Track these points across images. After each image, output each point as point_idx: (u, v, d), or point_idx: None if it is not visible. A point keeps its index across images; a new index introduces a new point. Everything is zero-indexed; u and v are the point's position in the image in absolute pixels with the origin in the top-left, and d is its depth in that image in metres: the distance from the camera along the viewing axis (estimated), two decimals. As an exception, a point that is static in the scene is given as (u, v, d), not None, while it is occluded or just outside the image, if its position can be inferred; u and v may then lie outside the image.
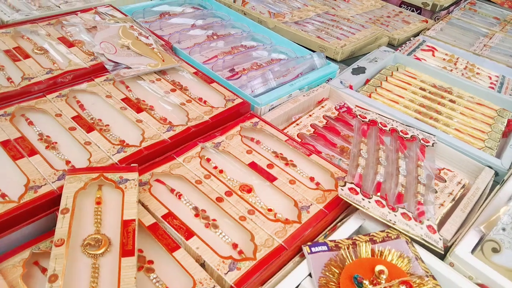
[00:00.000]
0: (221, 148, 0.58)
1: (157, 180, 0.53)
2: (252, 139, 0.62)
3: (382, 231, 0.49)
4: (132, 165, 0.50)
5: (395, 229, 0.49)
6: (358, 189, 0.52)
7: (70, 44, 0.75)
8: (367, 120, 0.67)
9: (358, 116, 0.68)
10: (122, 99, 0.64)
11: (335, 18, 1.11)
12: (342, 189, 0.52)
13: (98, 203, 0.47)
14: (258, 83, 0.74)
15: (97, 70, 0.70)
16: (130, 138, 0.57)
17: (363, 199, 0.51)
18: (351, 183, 0.53)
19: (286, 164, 0.58)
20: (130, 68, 0.70)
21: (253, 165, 0.56)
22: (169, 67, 0.72)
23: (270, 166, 0.56)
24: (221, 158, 0.58)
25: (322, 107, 0.75)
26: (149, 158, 0.55)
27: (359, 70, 0.87)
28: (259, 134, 0.63)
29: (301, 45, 0.91)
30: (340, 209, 0.53)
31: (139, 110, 0.62)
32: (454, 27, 1.22)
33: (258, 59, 0.86)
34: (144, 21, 0.92)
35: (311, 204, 0.52)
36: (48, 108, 0.60)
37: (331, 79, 0.82)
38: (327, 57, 0.88)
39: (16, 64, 0.68)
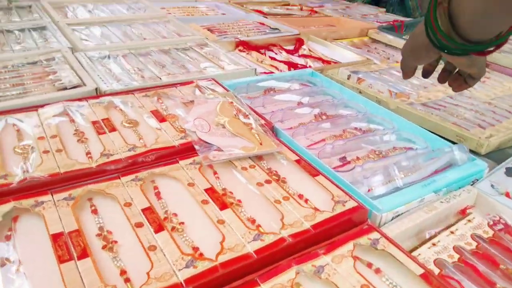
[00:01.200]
0: (324, 276, 0.41)
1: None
2: (369, 265, 0.44)
3: None
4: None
5: None
6: None
7: (162, 119, 0.67)
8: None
9: (530, 245, 0.47)
10: (206, 189, 0.51)
11: (471, 101, 0.91)
12: None
13: None
14: (379, 180, 0.57)
15: (186, 151, 0.59)
16: (206, 244, 0.44)
17: None
18: None
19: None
20: (222, 150, 0.58)
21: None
22: (267, 152, 0.59)
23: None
24: (323, 292, 0.41)
25: (469, 221, 0.54)
26: (224, 280, 0.40)
27: (516, 171, 0.65)
28: (381, 257, 0.45)
29: (431, 132, 0.72)
30: None
31: (223, 206, 0.49)
32: None
33: (377, 145, 0.70)
34: (247, 97, 0.83)
35: None
36: (119, 194, 0.50)
37: (477, 180, 0.62)
38: (466, 150, 0.67)
39: (100, 137, 0.60)
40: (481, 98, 0.93)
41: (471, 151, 0.72)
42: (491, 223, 0.54)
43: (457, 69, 0.58)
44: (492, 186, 0.60)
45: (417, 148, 0.68)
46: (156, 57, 0.94)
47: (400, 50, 0.57)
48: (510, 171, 0.65)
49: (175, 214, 0.48)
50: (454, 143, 0.73)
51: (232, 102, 0.70)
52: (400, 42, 1.29)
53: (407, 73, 0.58)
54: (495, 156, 0.74)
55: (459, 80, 0.58)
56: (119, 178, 0.52)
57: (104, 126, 0.63)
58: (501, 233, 0.53)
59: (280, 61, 1.07)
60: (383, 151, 0.68)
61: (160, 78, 0.82)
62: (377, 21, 1.61)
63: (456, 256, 0.48)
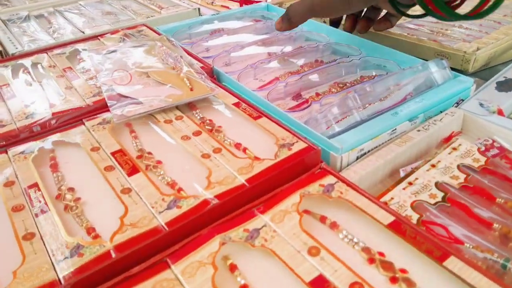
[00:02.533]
0: (259, 243, 0.31)
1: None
2: (322, 219, 0.33)
3: None
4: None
5: None
6: None
7: (75, 76, 0.55)
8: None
9: (533, 167, 0.36)
10: (113, 152, 0.40)
11: (455, 16, 0.78)
12: None
13: None
14: (337, 114, 0.45)
15: (99, 109, 0.48)
16: (103, 225, 0.33)
17: None
18: None
19: (394, 279, 0.28)
20: (141, 103, 0.46)
21: (318, 285, 0.27)
22: (198, 99, 0.47)
23: None
24: (258, 266, 0.30)
25: (454, 149, 0.43)
26: (123, 266, 0.29)
27: (509, 84, 0.53)
28: (337, 207, 0.34)
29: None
30: None
31: (133, 170, 0.38)
32: None
33: (341, 77, 0.58)
34: (189, 42, 0.70)
35: None
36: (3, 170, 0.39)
37: (462, 100, 0.50)
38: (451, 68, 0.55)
39: (-5, 106, 0.49)
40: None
41: (457, 70, 0.60)
42: (483, 148, 0.43)
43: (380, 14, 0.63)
44: (481, 104, 0.49)
45: (388, 73, 0.56)
46: (84, 11, 0.81)
47: None
48: (502, 85, 0.53)
49: (71, 189, 0.37)
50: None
51: (162, 46, 0.58)
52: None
53: (298, 21, 0.59)
54: (484, 75, 0.63)
55: (383, 21, 0.63)
56: (6, 153, 0.41)
57: (2, 94, 0.51)
58: (496, 159, 0.42)
59: (234, 0, 0.93)
60: (348, 83, 0.56)
61: (83, 32, 0.69)
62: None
63: (440, 194, 0.37)
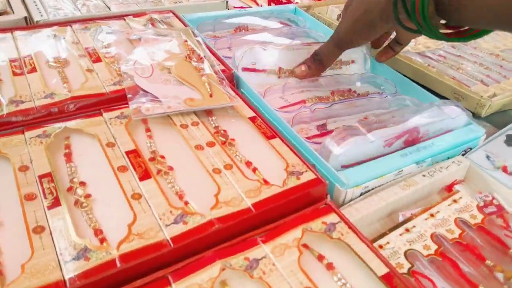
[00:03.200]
0: (257, 274, 0.32)
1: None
2: (320, 258, 0.35)
3: None
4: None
5: None
6: None
7: (97, 58, 0.55)
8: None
9: (526, 239, 0.37)
10: (128, 152, 0.41)
11: (477, 52, 0.78)
12: None
13: None
14: (340, 135, 0.45)
15: (118, 100, 0.48)
16: (110, 227, 0.34)
17: None
18: None
19: (376, 335, 0.30)
20: (160, 101, 0.47)
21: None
22: (215, 107, 0.48)
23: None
24: (254, 296, 0.32)
25: (455, 201, 0.44)
26: (125, 276, 0.31)
27: (519, 139, 0.54)
28: (336, 248, 0.36)
29: (427, 89, 0.60)
30: None
31: (145, 175, 0.39)
32: None
33: (371, 112, 0.57)
34: (213, 36, 0.70)
35: None
36: (15, 154, 0.39)
37: (470, 149, 0.51)
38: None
39: (15, 79, 0.49)
40: (488, 49, 0.80)
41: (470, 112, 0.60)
42: (482, 204, 0.44)
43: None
44: (487, 157, 0.50)
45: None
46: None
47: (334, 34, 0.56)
48: (511, 140, 0.54)
49: (83, 184, 0.38)
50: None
51: (186, 41, 0.58)
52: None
53: (328, 60, 0.58)
54: (496, 119, 0.63)
55: (387, 50, 0.63)
56: (23, 134, 0.42)
57: (23, 65, 0.52)
58: (492, 217, 0.43)
59: (263, -5, 0.93)
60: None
61: (109, 8, 0.69)
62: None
63: (434, 247, 0.39)
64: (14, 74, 0.50)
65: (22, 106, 0.45)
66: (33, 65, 0.52)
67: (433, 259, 0.38)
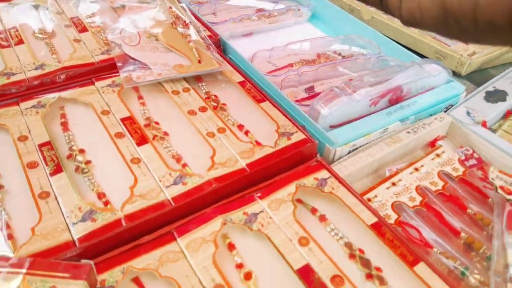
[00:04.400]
0: (256, 227, 0.34)
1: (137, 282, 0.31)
2: (313, 211, 0.37)
3: None
4: (83, 261, 0.28)
5: None
6: None
7: (83, 28, 0.55)
8: (519, 195, 0.39)
9: (499, 190, 0.40)
10: (123, 119, 0.42)
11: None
12: None
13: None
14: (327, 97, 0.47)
15: (107, 69, 0.49)
16: (113, 191, 0.35)
17: None
18: None
19: (369, 276, 0.32)
20: (150, 69, 0.48)
21: (305, 274, 0.31)
22: (205, 73, 0.49)
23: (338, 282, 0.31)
24: (254, 248, 0.34)
25: (437, 155, 0.46)
26: (133, 234, 0.33)
27: (497, 96, 0.56)
28: (327, 201, 0.38)
29: (409, 49, 0.62)
30: None
31: (142, 140, 0.40)
32: None
33: (356, 73, 0.58)
34: (197, 2, 0.70)
35: None
36: (14, 125, 0.40)
37: (451, 106, 0.54)
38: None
39: (3, 51, 0.49)
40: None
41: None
42: (463, 157, 0.47)
43: None
44: (468, 113, 0.52)
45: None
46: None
47: None
48: (491, 95, 0.56)
49: (82, 151, 0.39)
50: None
51: (171, 7, 0.58)
52: None
53: None
54: (476, 77, 0.66)
55: None
56: (18, 105, 0.42)
57: (9, 38, 0.51)
58: (473, 169, 0.46)
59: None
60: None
61: (90, -23, 0.68)
62: None
63: (419, 198, 0.42)
64: (1, 46, 0.50)
65: (14, 78, 0.45)
66: (19, 37, 0.51)
67: (418, 210, 0.41)
